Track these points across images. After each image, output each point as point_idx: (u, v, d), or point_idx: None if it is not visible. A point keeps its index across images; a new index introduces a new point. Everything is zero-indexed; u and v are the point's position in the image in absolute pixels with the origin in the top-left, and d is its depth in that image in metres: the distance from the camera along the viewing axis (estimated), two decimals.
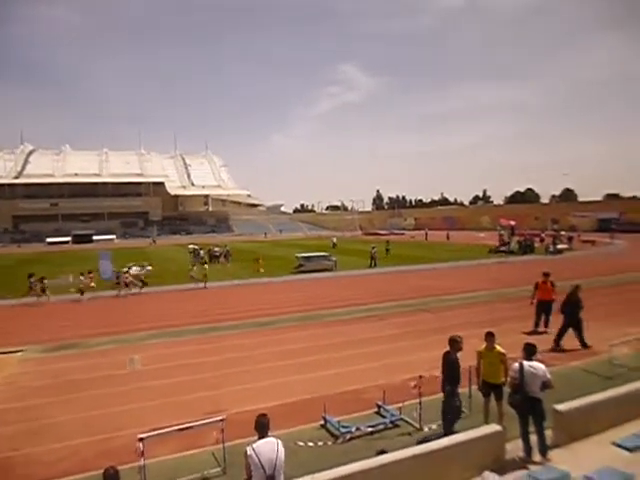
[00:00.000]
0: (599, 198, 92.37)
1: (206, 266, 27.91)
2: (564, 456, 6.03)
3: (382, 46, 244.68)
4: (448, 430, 6.78)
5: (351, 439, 7.52)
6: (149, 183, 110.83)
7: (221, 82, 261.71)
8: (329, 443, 7.48)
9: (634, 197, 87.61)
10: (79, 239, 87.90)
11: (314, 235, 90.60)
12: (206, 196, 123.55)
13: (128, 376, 11.34)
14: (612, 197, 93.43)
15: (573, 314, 12.33)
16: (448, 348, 7.31)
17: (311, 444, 7.41)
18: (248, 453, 4.56)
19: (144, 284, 25.80)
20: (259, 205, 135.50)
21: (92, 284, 23.90)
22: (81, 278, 23.78)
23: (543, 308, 14.06)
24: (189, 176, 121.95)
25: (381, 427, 7.88)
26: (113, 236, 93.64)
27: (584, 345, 12.16)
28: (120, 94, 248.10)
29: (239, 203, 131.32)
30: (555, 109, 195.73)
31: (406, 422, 8.04)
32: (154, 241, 79.97)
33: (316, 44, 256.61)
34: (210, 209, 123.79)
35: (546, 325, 14.03)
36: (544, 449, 6.16)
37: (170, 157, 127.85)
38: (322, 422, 8.17)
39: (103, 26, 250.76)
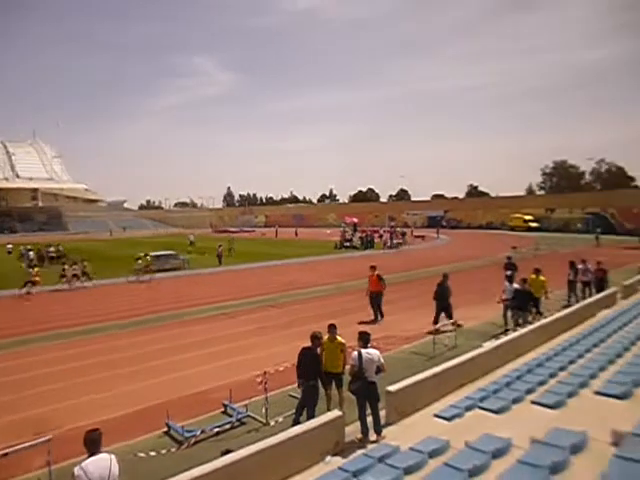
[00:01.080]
0: (428, 198, 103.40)
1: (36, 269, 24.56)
2: (396, 432, 6.59)
3: (238, 42, 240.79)
4: (311, 417, 6.98)
5: (196, 443, 7.30)
6: None
7: (54, 65, 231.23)
8: (173, 450, 7.17)
9: (455, 198, 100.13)
10: None
11: (162, 233, 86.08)
12: (35, 190, 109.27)
13: None
14: (438, 197, 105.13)
15: (443, 299, 13.90)
16: (310, 344, 7.52)
17: (153, 454, 7.02)
18: (76, 474, 4.14)
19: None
20: (99, 201, 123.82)
21: None
22: None
23: (374, 299, 15.19)
24: (13, 167, 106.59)
25: (227, 426, 7.79)
26: None
27: (454, 323, 13.47)
28: None
29: (75, 198, 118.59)
30: (393, 115, 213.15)
31: (253, 418, 8.07)
32: None
33: (166, 33, 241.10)
34: (40, 204, 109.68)
35: (381, 315, 15.22)
36: (379, 428, 6.65)
37: None
38: (165, 429, 7.81)
39: None
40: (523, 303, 12.91)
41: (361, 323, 14.09)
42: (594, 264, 16.50)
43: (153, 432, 7.81)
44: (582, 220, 57.15)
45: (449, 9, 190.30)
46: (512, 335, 9.89)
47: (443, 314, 13.92)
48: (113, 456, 4.36)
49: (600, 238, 41.50)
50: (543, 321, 10.80)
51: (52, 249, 37.36)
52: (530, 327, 10.31)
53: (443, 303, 13.96)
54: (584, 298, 15.17)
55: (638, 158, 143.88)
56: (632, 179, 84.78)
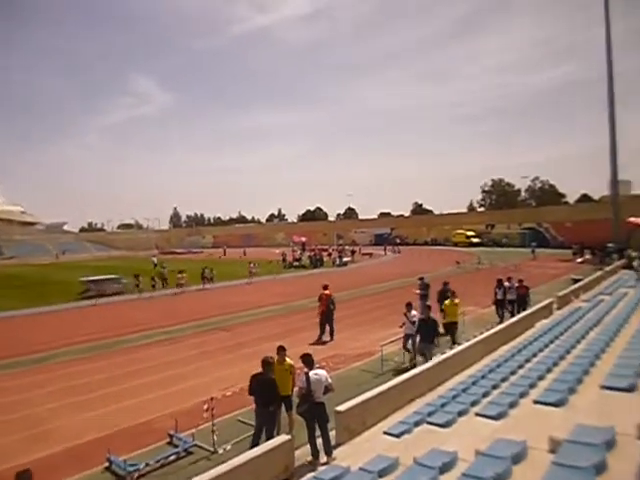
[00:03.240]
0: (375, 216, 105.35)
1: None
2: (346, 452, 6.55)
3: (181, 61, 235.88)
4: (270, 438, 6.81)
5: (140, 477, 6.96)
6: None
7: None
8: None
9: (401, 215, 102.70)
10: None
11: (104, 256, 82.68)
12: None
13: None
14: (385, 215, 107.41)
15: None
16: (261, 369, 7.37)
17: None
18: None
19: None
20: (36, 223, 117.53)
21: None
22: None
23: (325, 318, 15.13)
24: None
25: (173, 457, 7.48)
26: None
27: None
28: None
29: (10, 221, 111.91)
30: (341, 134, 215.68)
31: (200, 447, 7.80)
32: None
33: (106, 51, 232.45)
34: None
35: (330, 334, 15.14)
36: (329, 449, 6.61)
37: None
38: (107, 464, 7.39)
39: None
40: (427, 334, 11.29)
41: (311, 344, 13.99)
42: (516, 281, 16.64)
43: (93, 468, 7.38)
44: (519, 235, 60.04)
45: (397, 33, 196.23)
46: (458, 348, 10.14)
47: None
48: None
49: (536, 252, 43.74)
50: (486, 333, 11.15)
51: None
52: (474, 340, 10.60)
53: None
54: (512, 316, 14.86)
55: (567, 176, 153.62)
56: (563, 196, 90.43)
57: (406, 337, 12.07)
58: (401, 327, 12.42)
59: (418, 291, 16.57)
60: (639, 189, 56.51)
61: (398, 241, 69.61)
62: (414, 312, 12.13)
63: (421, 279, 17.87)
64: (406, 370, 9.87)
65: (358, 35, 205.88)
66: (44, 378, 12.39)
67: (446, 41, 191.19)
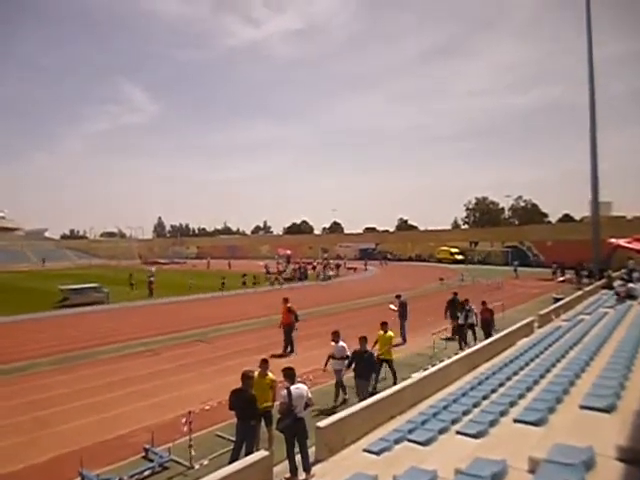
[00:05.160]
0: (360, 230, 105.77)
1: None
2: (325, 469, 6.46)
3: (168, 71, 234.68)
4: (249, 453, 6.68)
5: None
6: None
7: None
8: None
9: (386, 231, 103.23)
10: None
11: (86, 264, 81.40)
12: None
13: None
14: (370, 230, 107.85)
15: (455, 315, 15.94)
16: (241, 385, 7.23)
17: None
18: None
19: None
20: (16, 229, 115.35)
21: None
22: None
23: (286, 332, 15.09)
24: None
25: (148, 473, 7.29)
26: None
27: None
28: None
29: None
30: (327, 149, 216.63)
31: (176, 462, 7.62)
32: None
33: (91, 58, 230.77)
34: None
35: (289, 348, 15.03)
36: (307, 466, 6.50)
37: None
38: (79, 479, 7.17)
39: None
40: (362, 370, 9.81)
41: (272, 356, 13.86)
42: (479, 305, 15.88)
43: None
44: (502, 253, 60.67)
45: (384, 52, 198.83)
46: (439, 365, 10.12)
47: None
48: None
49: (518, 270, 44.19)
50: (467, 350, 11.16)
51: None
52: (455, 357, 10.59)
53: (454, 314, 16.02)
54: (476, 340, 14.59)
55: (550, 195, 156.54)
56: (545, 215, 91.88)
57: (336, 372, 10.68)
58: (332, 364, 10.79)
59: (393, 307, 16.58)
60: (619, 210, 57.24)
61: (389, 256, 70.16)
62: (342, 343, 10.64)
63: (398, 297, 17.26)
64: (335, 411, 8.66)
65: (345, 53, 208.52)
66: (8, 390, 12.06)
67: (431, 62, 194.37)
